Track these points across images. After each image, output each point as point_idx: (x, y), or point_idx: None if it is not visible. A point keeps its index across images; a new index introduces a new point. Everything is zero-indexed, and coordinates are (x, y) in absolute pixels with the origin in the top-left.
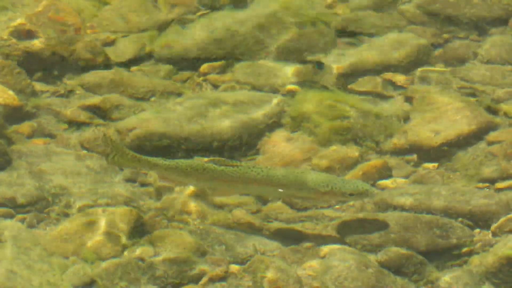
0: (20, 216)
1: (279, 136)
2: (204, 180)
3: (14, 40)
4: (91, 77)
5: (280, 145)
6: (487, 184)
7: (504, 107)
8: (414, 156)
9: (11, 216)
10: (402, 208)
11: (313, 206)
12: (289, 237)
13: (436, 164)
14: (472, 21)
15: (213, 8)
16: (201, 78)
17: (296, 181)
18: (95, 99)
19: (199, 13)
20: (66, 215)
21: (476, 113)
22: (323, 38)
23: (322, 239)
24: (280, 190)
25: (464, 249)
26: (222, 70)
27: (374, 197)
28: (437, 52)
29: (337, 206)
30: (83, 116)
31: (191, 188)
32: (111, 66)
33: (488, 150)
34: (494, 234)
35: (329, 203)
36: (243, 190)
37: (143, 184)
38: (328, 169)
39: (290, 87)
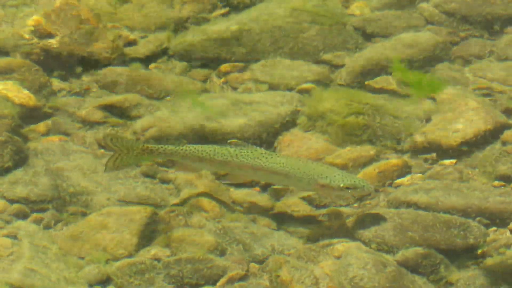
0: (36, 215)
1: (294, 135)
2: (216, 165)
3: (35, 39)
4: (107, 74)
5: (295, 144)
6: (503, 183)
7: None
8: (433, 155)
9: (27, 216)
10: (417, 206)
11: (330, 202)
12: (305, 235)
13: (454, 161)
14: (488, 20)
15: (231, 5)
16: (222, 79)
17: (299, 171)
18: (112, 98)
19: (216, 13)
20: (84, 214)
21: (492, 113)
22: (340, 37)
23: (339, 237)
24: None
25: (481, 249)
26: (242, 69)
27: (371, 193)
28: (454, 49)
29: (355, 205)
30: (98, 115)
31: (206, 185)
32: (128, 62)
33: (503, 149)
34: None
35: (328, 196)
36: (252, 176)
37: (163, 181)
38: (343, 166)
39: (306, 85)
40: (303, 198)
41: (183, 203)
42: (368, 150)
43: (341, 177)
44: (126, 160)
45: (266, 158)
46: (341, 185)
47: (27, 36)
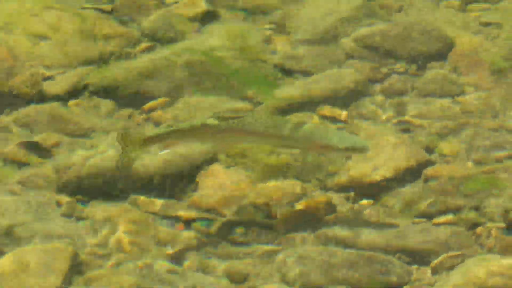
0: None
1: (216, 171)
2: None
3: None
4: (28, 112)
5: (216, 181)
6: (424, 220)
7: (440, 143)
8: (355, 192)
9: None
10: (343, 243)
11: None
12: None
13: (371, 201)
14: (411, 56)
15: (156, 39)
16: (144, 116)
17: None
18: (32, 136)
19: (139, 47)
20: (1, 253)
21: (414, 149)
22: (260, 74)
23: (264, 279)
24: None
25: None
26: (165, 106)
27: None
28: (376, 86)
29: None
30: (20, 154)
31: (126, 224)
32: (48, 99)
33: (425, 185)
34: (434, 272)
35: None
36: (245, 140)
37: (79, 219)
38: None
39: None
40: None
41: (102, 243)
42: (293, 186)
43: (340, 137)
44: (135, 154)
45: (262, 122)
46: (341, 146)
47: None
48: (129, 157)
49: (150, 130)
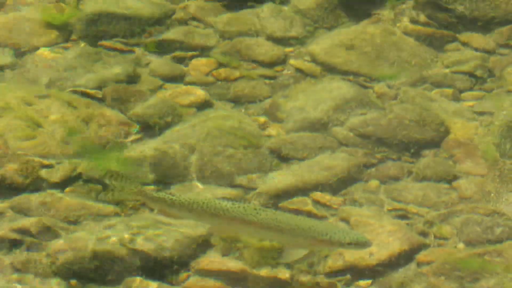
0: None
1: (210, 258)
2: (205, 218)
3: None
4: (21, 199)
5: (211, 267)
6: None
7: (435, 229)
8: (347, 276)
9: None
10: None
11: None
12: None
13: (369, 281)
14: (403, 143)
15: (147, 128)
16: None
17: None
18: (25, 221)
19: (131, 138)
20: None
21: (408, 235)
22: (255, 160)
23: None
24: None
25: None
26: None
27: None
28: (369, 171)
29: None
30: (13, 238)
31: None
32: (43, 188)
33: (418, 270)
34: None
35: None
36: (243, 232)
37: None
38: None
39: None
40: None
41: None
42: (284, 273)
43: (341, 233)
44: (122, 196)
45: (260, 213)
46: (343, 242)
47: None
48: (117, 197)
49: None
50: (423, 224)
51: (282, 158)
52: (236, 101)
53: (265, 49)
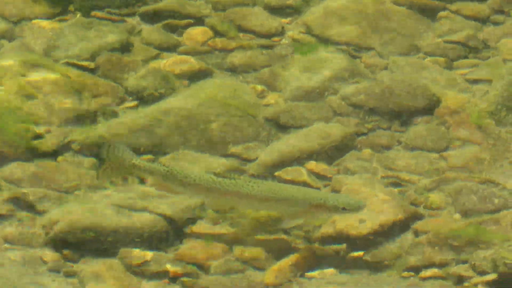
0: None
1: (201, 228)
2: (200, 192)
3: None
4: (13, 169)
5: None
6: (412, 273)
7: (429, 197)
8: (344, 246)
9: None
10: None
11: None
12: None
13: (362, 252)
14: (395, 112)
15: (140, 98)
16: None
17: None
18: (17, 191)
19: (124, 105)
20: None
21: (402, 204)
22: (250, 129)
23: None
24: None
25: None
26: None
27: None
28: (362, 139)
29: None
30: (4, 209)
31: (115, 278)
32: (36, 157)
33: (414, 240)
34: None
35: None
36: (237, 203)
37: (68, 275)
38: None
39: None
40: None
41: None
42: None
43: (335, 197)
44: (117, 172)
45: (254, 185)
46: (337, 205)
47: None
48: (108, 173)
49: (141, 159)
50: (415, 191)
51: (281, 126)
52: (233, 70)
53: (261, 20)
